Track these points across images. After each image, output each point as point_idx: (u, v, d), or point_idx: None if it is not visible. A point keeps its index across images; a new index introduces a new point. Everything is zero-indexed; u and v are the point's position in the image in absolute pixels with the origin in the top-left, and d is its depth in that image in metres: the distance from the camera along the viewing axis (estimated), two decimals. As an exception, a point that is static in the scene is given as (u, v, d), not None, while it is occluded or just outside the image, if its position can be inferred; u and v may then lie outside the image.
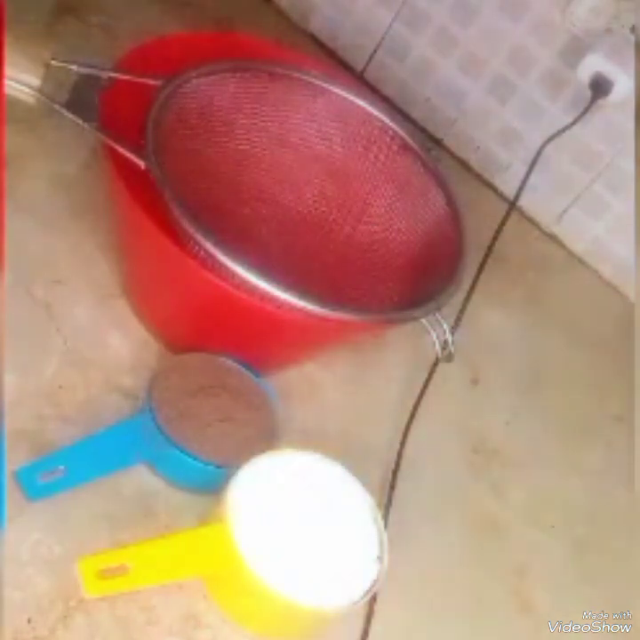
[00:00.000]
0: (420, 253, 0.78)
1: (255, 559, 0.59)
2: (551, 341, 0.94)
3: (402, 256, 0.79)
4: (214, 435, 0.67)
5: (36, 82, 0.69)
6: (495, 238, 0.85)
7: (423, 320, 0.68)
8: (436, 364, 0.78)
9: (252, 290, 0.63)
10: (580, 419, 0.89)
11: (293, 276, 0.72)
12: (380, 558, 0.63)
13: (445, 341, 0.69)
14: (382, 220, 0.81)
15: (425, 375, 0.80)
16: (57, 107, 0.68)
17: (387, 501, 0.73)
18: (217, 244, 0.63)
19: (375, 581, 0.62)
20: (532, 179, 0.91)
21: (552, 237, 1.04)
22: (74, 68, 0.70)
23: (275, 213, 0.83)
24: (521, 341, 0.93)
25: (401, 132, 0.80)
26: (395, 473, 0.75)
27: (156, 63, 0.72)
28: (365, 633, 0.67)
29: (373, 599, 0.67)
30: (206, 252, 0.64)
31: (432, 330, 0.69)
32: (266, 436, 0.69)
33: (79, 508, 0.64)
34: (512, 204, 0.91)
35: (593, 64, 0.89)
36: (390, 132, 0.80)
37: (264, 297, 0.64)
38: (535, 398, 0.89)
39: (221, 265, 0.63)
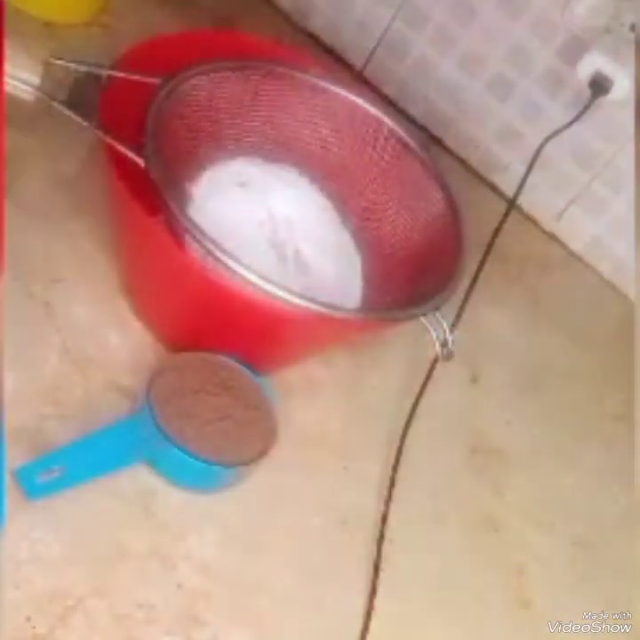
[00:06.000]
0: (419, 252, 0.77)
1: None
2: (551, 340, 0.94)
3: (401, 255, 0.79)
4: (213, 434, 0.67)
5: (35, 80, 0.69)
6: (494, 237, 0.85)
7: (423, 319, 0.68)
8: (435, 362, 0.78)
9: (252, 289, 0.63)
10: (580, 418, 0.89)
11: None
12: None
13: (445, 340, 0.69)
14: (381, 218, 0.81)
15: (424, 374, 0.80)
16: (57, 105, 0.68)
17: (387, 499, 0.73)
18: (216, 243, 0.63)
19: None
20: (532, 177, 0.90)
21: (551, 236, 1.04)
22: (73, 66, 0.70)
23: (274, 212, 0.83)
24: (520, 340, 0.93)
25: (400, 131, 0.80)
26: (394, 471, 0.75)
27: (155, 62, 0.72)
28: (365, 630, 0.67)
29: (373, 595, 0.68)
30: (206, 251, 0.63)
31: (432, 328, 0.68)
32: (265, 436, 0.69)
33: (78, 507, 0.64)
34: (511, 203, 0.90)
35: (592, 63, 0.88)
36: (389, 131, 0.80)
37: (264, 296, 0.64)
38: (535, 397, 0.89)
39: (221, 264, 0.63)
